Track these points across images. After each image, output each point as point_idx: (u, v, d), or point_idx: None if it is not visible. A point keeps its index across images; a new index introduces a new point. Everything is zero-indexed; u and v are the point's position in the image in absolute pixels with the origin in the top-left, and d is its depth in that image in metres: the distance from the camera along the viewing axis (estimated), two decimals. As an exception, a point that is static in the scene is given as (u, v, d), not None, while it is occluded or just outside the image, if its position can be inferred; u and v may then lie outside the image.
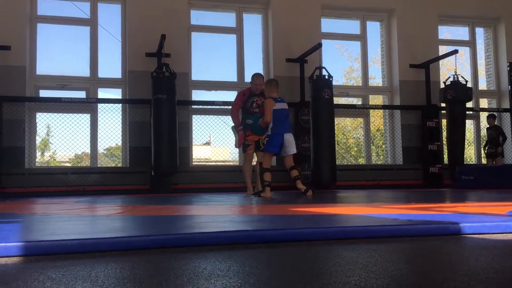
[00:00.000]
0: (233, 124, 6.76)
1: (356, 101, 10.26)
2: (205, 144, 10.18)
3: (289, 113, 6.14)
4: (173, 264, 1.73)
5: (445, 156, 9.71)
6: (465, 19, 10.78)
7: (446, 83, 9.45)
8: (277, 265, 1.73)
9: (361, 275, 1.48)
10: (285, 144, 5.79)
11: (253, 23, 9.84)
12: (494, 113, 10.34)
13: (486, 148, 10.22)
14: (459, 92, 9.28)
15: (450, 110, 9.43)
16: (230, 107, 8.95)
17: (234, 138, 6.79)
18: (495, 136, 10.01)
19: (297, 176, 5.86)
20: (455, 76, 9.38)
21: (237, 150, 9.36)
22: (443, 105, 9.76)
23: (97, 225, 2.92)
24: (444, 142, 9.79)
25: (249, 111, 6.65)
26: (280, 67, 9.29)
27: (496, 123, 10.24)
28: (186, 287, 1.37)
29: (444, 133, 9.86)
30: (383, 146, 10.79)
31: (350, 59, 12.04)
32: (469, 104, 9.85)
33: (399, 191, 7.67)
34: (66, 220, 3.14)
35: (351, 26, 10.37)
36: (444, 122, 9.88)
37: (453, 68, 9.78)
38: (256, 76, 6.73)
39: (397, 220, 2.85)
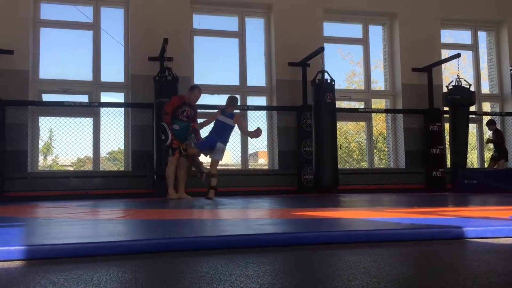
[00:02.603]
0: (164, 122, 6.88)
1: (359, 105, 10.25)
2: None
3: (233, 128, 6.83)
4: (175, 268, 1.72)
5: (448, 160, 9.68)
6: (468, 23, 10.77)
7: (449, 87, 9.43)
8: (280, 269, 1.72)
9: (363, 279, 1.48)
10: (215, 150, 6.63)
11: (255, 27, 9.86)
12: (493, 118, 10.25)
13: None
14: (464, 96, 9.26)
15: (453, 113, 9.41)
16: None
17: (169, 136, 6.76)
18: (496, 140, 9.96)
19: (213, 186, 6.63)
20: (458, 80, 9.37)
21: (239, 153, 9.36)
22: (446, 108, 9.74)
23: (99, 229, 2.92)
24: (447, 146, 9.76)
25: (178, 117, 6.89)
26: (282, 71, 9.30)
27: (498, 127, 10.18)
28: (188, 291, 1.36)
29: (447, 137, 9.82)
30: (386, 150, 10.77)
31: (352, 63, 12.03)
32: (471, 108, 9.82)
33: (401, 195, 7.65)
34: (68, 224, 3.15)
35: (354, 30, 10.38)
36: (447, 126, 9.85)
37: (455, 72, 9.78)
38: (197, 89, 7.09)
39: (399, 224, 2.84)
